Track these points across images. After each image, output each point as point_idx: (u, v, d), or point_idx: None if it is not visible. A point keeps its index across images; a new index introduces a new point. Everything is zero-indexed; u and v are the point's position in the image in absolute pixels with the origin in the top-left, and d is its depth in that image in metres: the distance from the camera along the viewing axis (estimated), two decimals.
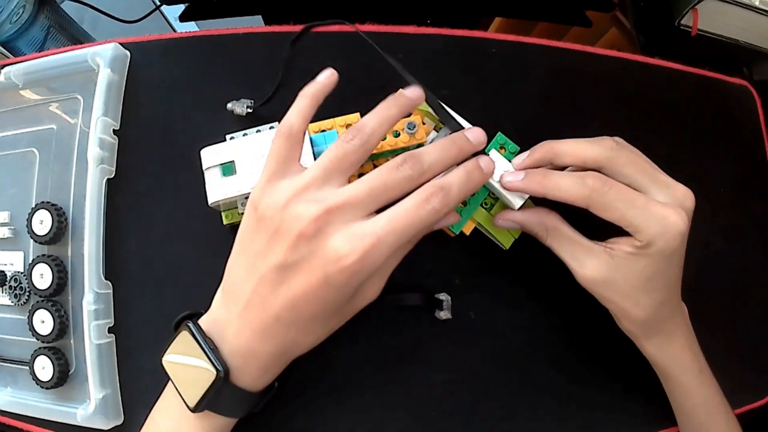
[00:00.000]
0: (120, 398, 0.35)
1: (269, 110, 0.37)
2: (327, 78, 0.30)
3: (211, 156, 0.33)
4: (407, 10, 0.57)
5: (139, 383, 0.35)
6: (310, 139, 0.33)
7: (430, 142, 0.34)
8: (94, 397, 0.33)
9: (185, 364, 0.28)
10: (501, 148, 0.34)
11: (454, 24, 0.40)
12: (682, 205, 0.29)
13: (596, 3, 0.56)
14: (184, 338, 0.28)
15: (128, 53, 0.39)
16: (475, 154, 0.29)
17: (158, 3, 0.64)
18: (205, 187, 0.33)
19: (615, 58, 0.42)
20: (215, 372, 0.26)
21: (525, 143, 0.38)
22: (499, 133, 0.34)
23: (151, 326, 0.35)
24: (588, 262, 0.30)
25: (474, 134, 0.29)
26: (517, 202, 0.32)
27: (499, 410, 0.35)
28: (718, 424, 0.33)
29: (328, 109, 0.35)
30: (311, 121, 0.34)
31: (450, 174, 0.28)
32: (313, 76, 0.30)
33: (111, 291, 0.35)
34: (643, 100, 0.42)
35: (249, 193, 0.32)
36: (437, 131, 0.33)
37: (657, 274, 0.30)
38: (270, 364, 0.28)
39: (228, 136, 0.35)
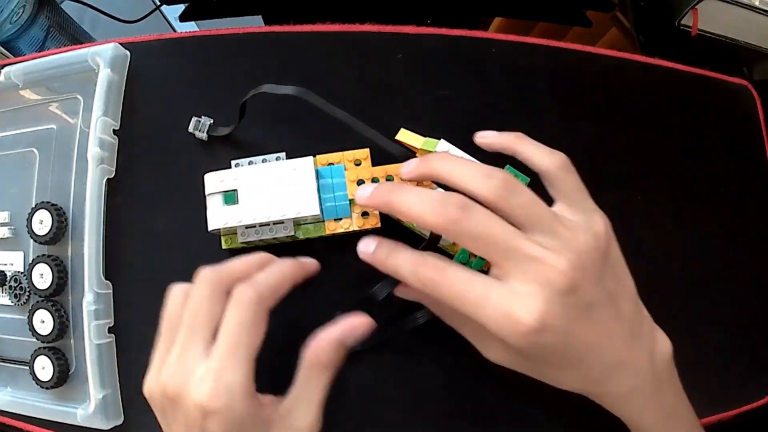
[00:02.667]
0: (120, 398, 0.35)
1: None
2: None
3: (214, 182, 0.33)
4: (407, 10, 0.57)
5: (139, 383, 0.35)
6: (317, 171, 0.33)
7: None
8: (94, 397, 0.33)
9: None
10: None
11: (454, 24, 0.40)
12: (549, 285, 0.24)
13: (596, 3, 0.56)
14: None
15: (128, 53, 0.39)
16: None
17: (158, 3, 0.64)
18: (205, 191, 0.33)
19: (615, 58, 0.42)
20: None
21: None
22: (508, 165, 0.33)
23: (151, 326, 0.35)
24: (490, 345, 0.28)
25: (306, 262, 0.31)
26: None
27: (500, 409, 0.35)
28: None
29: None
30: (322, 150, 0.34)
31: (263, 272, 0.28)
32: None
33: (111, 291, 0.35)
34: (643, 100, 0.42)
35: (250, 224, 0.32)
36: None
37: (547, 360, 0.26)
38: None
39: (234, 163, 0.35)
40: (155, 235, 0.36)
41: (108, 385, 0.34)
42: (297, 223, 0.33)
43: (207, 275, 0.27)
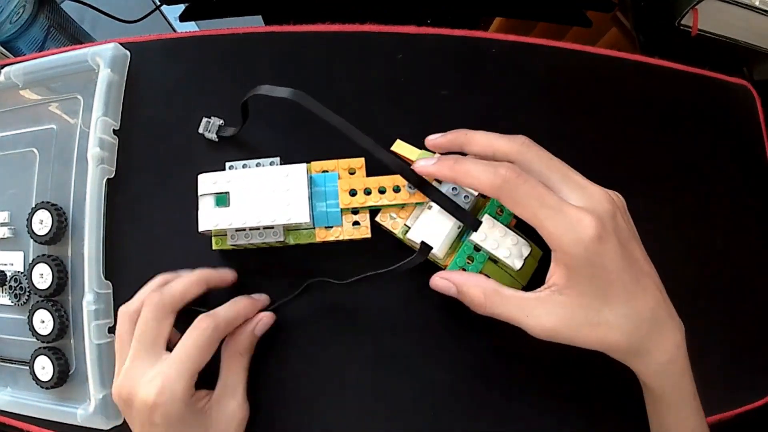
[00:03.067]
0: None
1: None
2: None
3: (207, 183, 0.33)
4: (407, 10, 0.57)
5: None
6: (310, 178, 0.33)
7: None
8: (94, 397, 0.33)
9: None
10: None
11: (454, 24, 0.40)
12: (597, 207, 0.27)
13: (596, 3, 0.56)
14: None
15: (128, 53, 0.39)
16: None
17: (158, 3, 0.64)
18: (197, 192, 0.33)
19: (615, 58, 0.42)
20: None
21: None
22: None
23: None
24: (541, 312, 0.28)
25: (259, 299, 0.35)
26: (517, 263, 0.31)
27: (499, 410, 0.35)
28: None
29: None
30: (316, 158, 0.34)
31: (222, 307, 0.33)
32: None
33: (111, 291, 0.35)
34: (643, 100, 0.42)
35: (240, 227, 0.32)
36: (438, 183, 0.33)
37: (600, 285, 0.27)
38: None
39: (228, 164, 0.35)
40: (155, 235, 0.36)
41: (108, 385, 0.34)
42: (288, 228, 0.33)
43: (152, 299, 0.31)
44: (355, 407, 0.35)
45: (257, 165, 0.34)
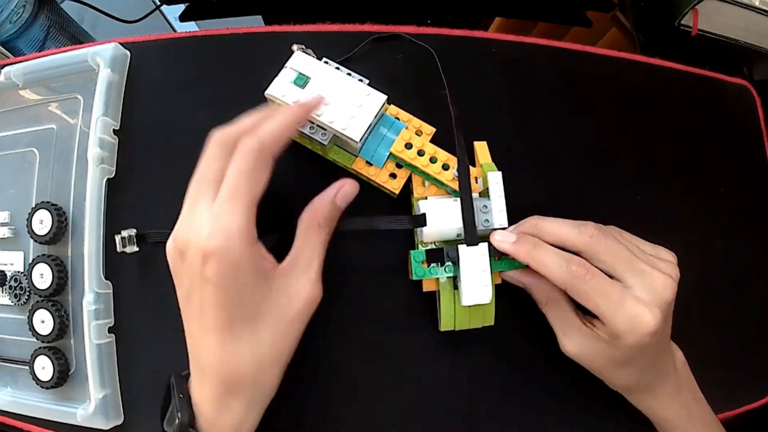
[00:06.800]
0: (120, 398, 0.35)
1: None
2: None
3: (299, 61, 0.33)
4: (407, 10, 0.57)
5: (139, 383, 0.35)
6: (382, 115, 0.34)
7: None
8: (94, 397, 0.33)
9: None
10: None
11: (454, 24, 0.40)
12: (660, 297, 0.29)
13: (596, 3, 0.57)
14: None
15: (128, 53, 0.39)
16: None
17: (158, 3, 0.64)
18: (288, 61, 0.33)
19: (615, 58, 0.42)
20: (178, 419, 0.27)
21: (524, 144, 0.38)
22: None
23: (151, 326, 0.35)
24: (576, 339, 0.32)
25: (308, 102, 0.31)
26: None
27: (498, 410, 0.35)
28: None
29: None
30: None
31: (264, 119, 0.29)
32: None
33: (111, 291, 0.35)
34: (643, 100, 0.42)
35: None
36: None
37: (633, 359, 0.31)
38: (225, 396, 0.27)
39: (324, 59, 0.35)
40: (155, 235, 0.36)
41: (108, 385, 0.34)
42: (336, 142, 0.34)
43: (216, 136, 0.27)
44: (354, 408, 0.35)
45: (348, 74, 0.35)
